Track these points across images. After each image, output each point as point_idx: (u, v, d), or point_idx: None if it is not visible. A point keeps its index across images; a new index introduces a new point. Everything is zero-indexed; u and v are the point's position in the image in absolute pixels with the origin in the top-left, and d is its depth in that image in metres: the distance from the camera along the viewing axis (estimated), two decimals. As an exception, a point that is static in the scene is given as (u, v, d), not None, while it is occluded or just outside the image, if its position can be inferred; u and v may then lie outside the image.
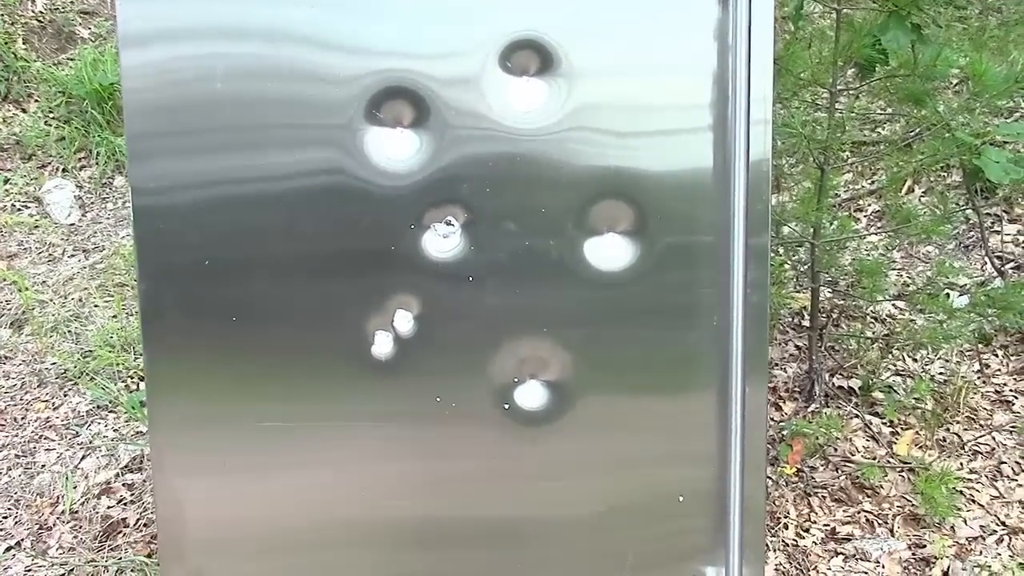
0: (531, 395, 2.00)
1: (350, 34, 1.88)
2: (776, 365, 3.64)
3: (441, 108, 1.90)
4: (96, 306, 4.36)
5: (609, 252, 1.96)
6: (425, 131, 1.91)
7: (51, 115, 5.73)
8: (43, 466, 3.44)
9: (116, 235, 4.99)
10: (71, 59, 6.12)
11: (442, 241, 1.95)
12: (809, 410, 3.40)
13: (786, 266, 3.59)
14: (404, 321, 1.97)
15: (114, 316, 4.26)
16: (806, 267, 3.54)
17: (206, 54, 1.88)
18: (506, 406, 1.99)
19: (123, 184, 5.42)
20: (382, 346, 1.97)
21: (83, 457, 3.46)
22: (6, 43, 5.92)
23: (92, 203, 5.30)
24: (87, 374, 3.88)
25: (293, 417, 1.98)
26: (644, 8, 1.91)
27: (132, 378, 3.83)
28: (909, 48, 2.94)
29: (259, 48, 1.88)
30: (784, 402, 3.46)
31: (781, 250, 3.46)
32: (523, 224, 1.95)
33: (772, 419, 3.32)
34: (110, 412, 3.68)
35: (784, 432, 3.23)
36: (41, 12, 6.35)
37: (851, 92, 3.55)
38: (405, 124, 1.92)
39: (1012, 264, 4.20)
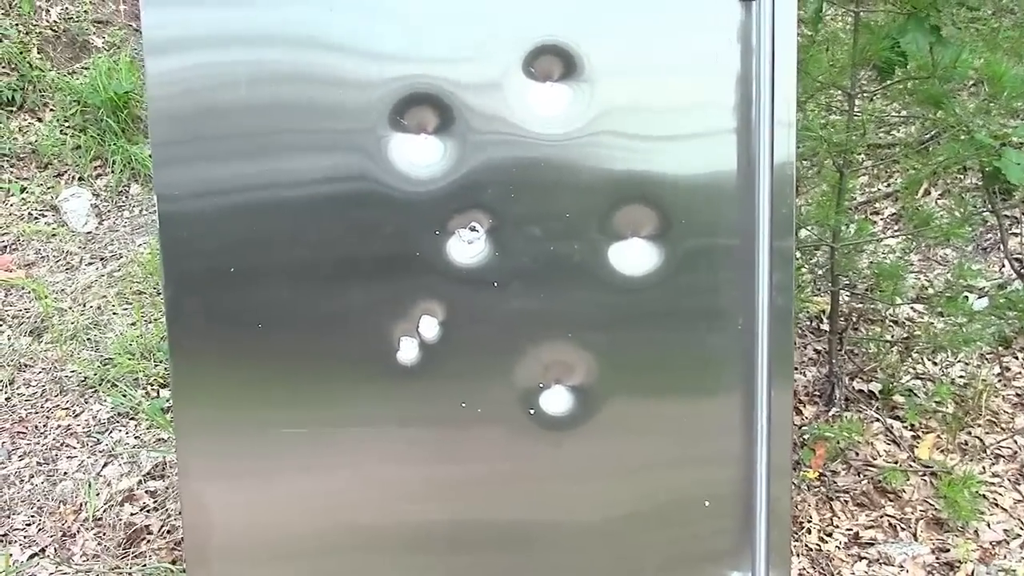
0: (556, 400, 2.00)
1: (373, 40, 1.89)
2: (796, 369, 3.64)
3: (465, 114, 1.91)
4: (115, 314, 4.38)
5: (633, 257, 1.96)
6: (449, 137, 1.92)
7: (66, 124, 5.75)
8: (65, 473, 3.45)
9: (133, 243, 5.01)
10: (86, 68, 6.14)
11: (467, 247, 1.95)
12: (830, 414, 3.39)
13: (804, 269, 3.58)
14: (430, 327, 1.97)
15: (133, 324, 4.27)
16: (824, 270, 3.54)
17: (230, 61, 1.89)
18: (531, 411, 1.99)
19: (139, 192, 5.44)
20: (408, 352, 1.98)
21: (105, 464, 3.47)
22: (21, 53, 5.94)
23: (108, 211, 5.32)
24: (107, 381, 3.89)
25: (319, 423, 1.99)
26: (667, 11, 1.91)
27: (152, 385, 3.84)
28: (928, 50, 2.93)
29: (283, 54, 1.89)
30: (804, 406, 3.45)
31: (799, 253, 3.46)
32: (547, 229, 1.95)
33: (793, 423, 3.32)
34: (131, 419, 3.69)
35: (806, 436, 3.22)
36: (55, 22, 6.38)
37: (868, 94, 3.54)
38: (429, 130, 1.92)
39: (1031, 266, 4.19)
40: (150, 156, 5.42)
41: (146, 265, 4.66)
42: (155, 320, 4.25)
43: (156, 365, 3.92)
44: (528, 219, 1.94)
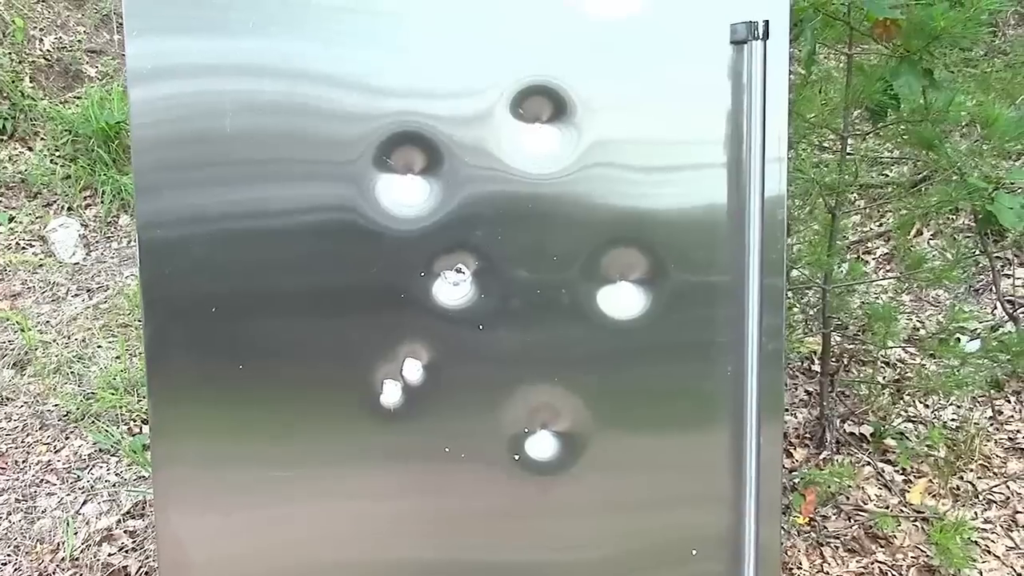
0: (541, 445, 1.97)
1: (360, 73, 1.86)
2: (786, 411, 3.60)
3: (453, 154, 1.88)
4: (99, 347, 4.34)
5: (621, 300, 1.94)
6: (436, 178, 1.89)
7: (57, 153, 5.73)
8: (44, 511, 3.39)
9: (120, 275, 4.98)
10: (78, 98, 6.13)
11: (452, 289, 1.92)
12: (820, 457, 3.36)
13: (795, 309, 3.56)
14: (413, 370, 1.93)
15: (117, 357, 4.23)
16: (815, 311, 3.51)
17: (215, 90, 1.86)
18: (516, 457, 1.96)
19: (128, 223, 5.41)
20: (390, 395, 1.94)
21: (84, 502, 3.41)
22: (13, 81, 5.93)
23: (97, 242, 5.29)
24: (89, 417, 3.84)
25: (299, 464, 1.95)
26: (657, 52, 1.89)
27: (135, 421, 3.79)
28: (921, 93, 2.93)
29: (268, 84, 1.86)
30: (795, 448, 3.41)
31: (790, 294, 3.43)
32: (534, 272, 1.92)
33: (783, 466, 3.28)
34: (112, 456, 3.64)
35: (797, 480, 3.19)
36: (48, 51, 6.37)
37: (860, 134, 3.53)
38: (416, 171, 1.89)
39: (1023, 309, 4.17)
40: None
41: (133, 297, 4.63)
42: (140, 354, 4.20)
43: (139, 400, 3.87)
44: (515, 262, 1.92)
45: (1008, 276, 4.37)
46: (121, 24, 7.26)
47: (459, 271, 1.92)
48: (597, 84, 1.89)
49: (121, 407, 3.84)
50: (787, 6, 1.91)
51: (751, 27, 1.85)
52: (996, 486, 3.22)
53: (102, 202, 5.48)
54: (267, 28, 1.85)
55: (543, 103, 1.89)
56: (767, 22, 1.84)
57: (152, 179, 1.88)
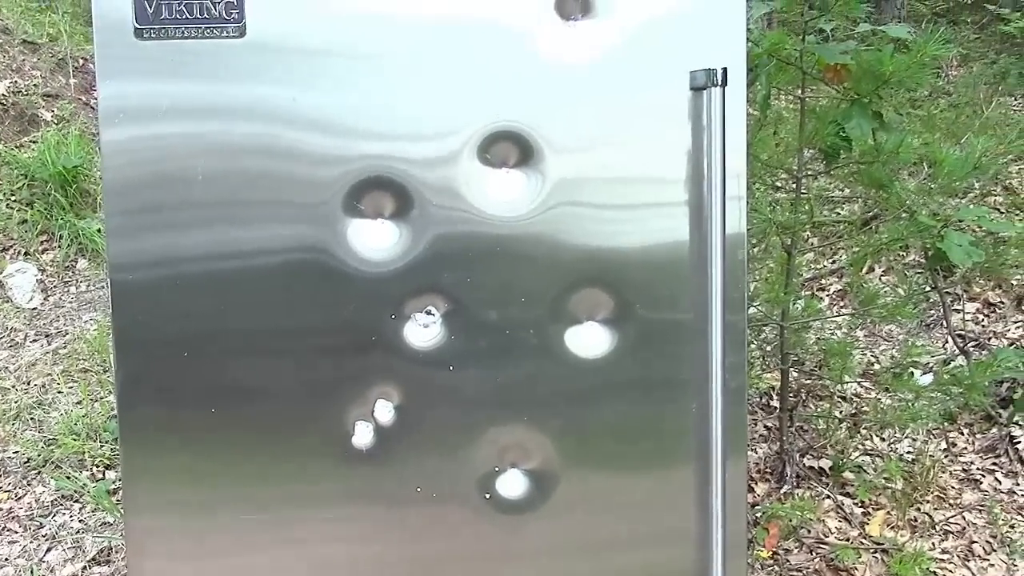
0: (512, 484, 2.00)
1: (330, 119, 1.90)
2: (747, 446, 3.66)
3: (422, 199, 1.92)
4: (60, 392, 4.31)
5: (589, 340, 1.98)
6: (406, 222, 1.93)
7: (13, 198, 5.70)
8: (6, 559, 3.35)
9: (79, 319, 4.95)
10: (34, 142, 6.10)
11: (422, 331, 1.95)
12: (782, 491, 3.41)
13: (753, 346, 3.63)
14: (384, 411, 1.96)
15: (78, 402, 4.20)
16: (773, 347, 3.58)
17: (186, 132, 1.88)
18: (487, 496, 1.98)
19: (86, 267, 5.39)
20: (362, 436, 1.96)
21: (48, 549, 3.38)
22: (-32, 126, 5.90)
23: (55, 287, 5.25)
24: (51, 463, 3.81)
25: (272, 507, 1.96)
26: (621, 97, 1.94)
27: (97, 466, 3.77)
28: (871, 134, 3.02)
29: (239, 127, 1.89)
30: (756, 483, 3.46)
31: (749, 330, 3.50)
32: (503, 313, 1.96)
33: (747, 501, 3.33)
34: (75, 502, 3.61)
35: (759, 515, 3.23)
36: (4, 95, 6.35)
37: (813, 174, 3.62)
38: (386, 215, 1.93)
39: (973, 342, 4.27)
40: (99, 231, 5.39)
41: (92, 342, 4.60)
42: (101, 399, 4.18)
43: (102, 446, 3.85)
44: (484, 303, 1.95)
45: (958, 311, 4.48)
46: (77, 68, 7.25)
47: (429, 313, 1.95)
48: (562, 129, 1.94)
49: (83, 452, 3.81)
50: (743, 53, 1.98)
51: (710, 74, 1.90)
52: (952, 517, 3.29)
53: (59, 247, 5.45)
54: (237, 71, 1.88)
55: (510, 148, 1.94)
56: (725, 69, 1.90)
57: (123, 222, 1.90)
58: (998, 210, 5.53)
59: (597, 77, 1.94)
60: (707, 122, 1.93)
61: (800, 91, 3.11)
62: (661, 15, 1.94)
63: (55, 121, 6.40)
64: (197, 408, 1.94)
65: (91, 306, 5.02)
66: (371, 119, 1.90)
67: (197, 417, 1.94)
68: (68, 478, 3.69)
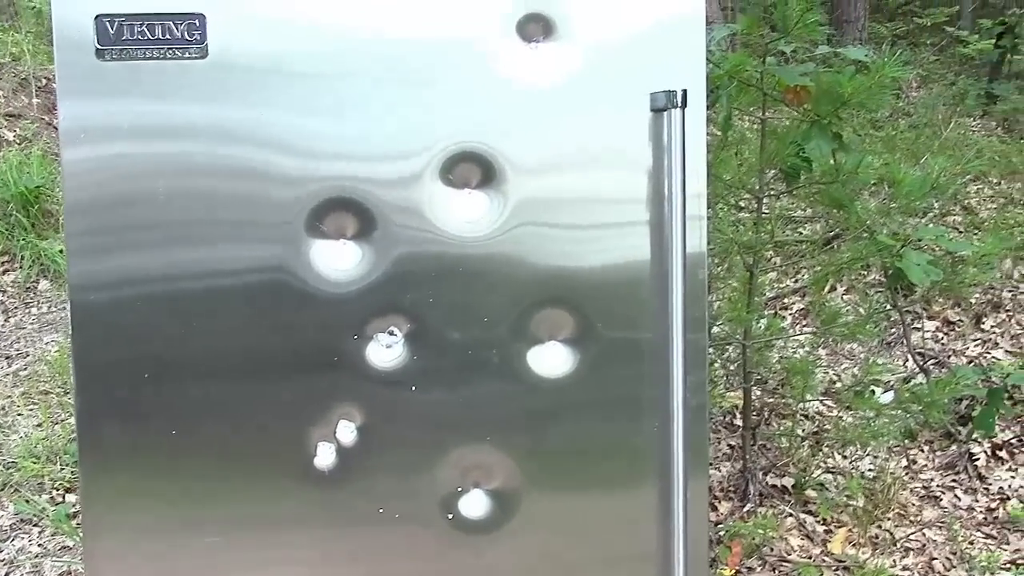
0: (475, 504, 2.00)
1: (292, 138, 1.90)
2: (710, 464, 3.68)
3: (384, 220, 1.92)
4: (20, 415, 4.26)
5: (551, 360, 1.98)
6: (368, 243, 1.93)
7: (-26, 219, 5.65)
8: (-36, 584, 3.31)
9: (40, 341, 4.90)
10: (-5, 162, 6.05)
11: (385, 351, 1.96)
12: (744, 509, 3.43)
13: (716, 365, 3.65)
14: (347, 432, 1.96)
15: (38, 425, 4.16)
16: (736, 365, 3.61)
17: (148, 152, 1.87)
18: (450, 516, 1.98)
19: (48, 288, 5.34)
20: (324, 457, 1.96)
21: (7, 574, 3.34)
22: (-71, 146, 5.85)
23: (15, 308, 5.21)
24: (10, 486, 3.76)
25: (233, 529, 1.95)
26: (582, 117, 1.95)
27: (57, 490, 3.73)
28: (831, 155, 3.06)
29: (201, 146, 1.89)
30: (720, 502, 3.48)
31: (711, 349, 3.52)
32: (466, 334, 1.96)
33: (709, 520, 3.34)
34: (34, 526, 3.56)
35: (722, 533, 3.25)
36: (-35, 115, 6.30)
37: (775, 194, 3.66)
38: (348, 236, 1.93)
39: (933, 360, 4.32)
40: (61, 251, 5.35)
41: (53, 364, 4.56)
42: (62, 421, 4.14)
43: (62, 469, 3.81)
44: (446, 323, 1.96)
45: (918, 329, 4.53)
46: (39, 88, 7.20)
47: (391, 333, 1.95)
48: (524, 149, 1.95)
49: (43, 476, 3.77)
50: (703, 75, 2.00)
51: (670, 96, 1.92)
52: (912, 534, 3.32)
53: (20, 267, 5.41)
54: (199, 91, 1.88)
55: (472, 169, 1.95)
56: (685, 91, 1.92)
57: (84, 242, 1.89)
58: (957, 229, 5.61)
59: (558, 98, 1.95)
60: (667, 143, 1.94)
61: (761, 112, 3.14)
62: (622, 38, 1.96)
63: (17, 141, 6.35)
64: (158, 430, 1.92)
65: (52, 327, 4.98)
66: (334, 139, 1.91)
67: (158, 439, 1.93)
68: (27, 502, 3.65)
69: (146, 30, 1.87)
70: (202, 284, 1.90)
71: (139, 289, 1.89)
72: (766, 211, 3.53)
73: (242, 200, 1.90)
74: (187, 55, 1.88)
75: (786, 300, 5.03)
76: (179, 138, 1.88)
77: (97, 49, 1.86)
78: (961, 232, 5.57)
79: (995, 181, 6.50)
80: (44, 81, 7.28)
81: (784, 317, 4.92)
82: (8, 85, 6.94)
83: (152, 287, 1.89)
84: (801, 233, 5.23)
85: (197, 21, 1.88)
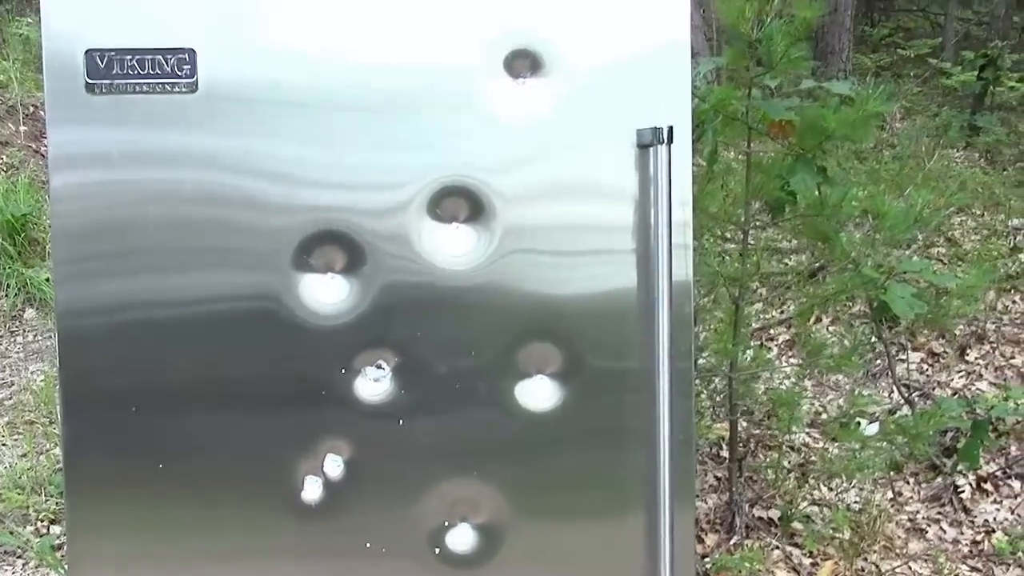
0: (462, 538, 2.00)
1: (282, 169, 1.90)
2: (696, 496, 3.68)
3: (372, 253, 1.93)
4: (4, 445, 4.24)
5: (538, 393, 1.99)
6: (356, 277, 1.94)
7: (-41, 246, 5.63)
8: (-55, 617, 3.29)
9: (25, 370, 4.88)
10: (-18, 190, 6.04)
11: (373, 385, 1.96)
12: (731, 542, 3.43)
13: (703, 396, 3.66)
14: (334, 465, 1.96)
15: (23, 455, 4.13)
16: (722, 396, 3.62)
17: (136, 179, 1.88)
18: (437, 550, 1.98)
19: (34, 317, 5.32)
20: (311, 491, 1.96)
21: (-10, 606, 3.32)
22: (-85, 174, 5.84)
23: (1, 336, 5.18)
24: (-6, 517, 3.74)
25: (220, 563, 1.95)
26: (568, 152, 1.97)
27: (42, 521, 3.70)
28: (816, 188, 3.08)
29: (191, 174, 1.89)
30: (706, 534, 3.48)
31: (698, 381, 3.53)
32: (453, 367, 1.97)
33: (696, 552, 3.34)
34: (18, 558, 3.54)
35: (708, 566, 3.25)
36: (-48, 143, 6.30)
37: (760, 226, 3.68)
38: (336, 269, 1.94)
39: (918, 391, 4.34)
40: (47, 280, 5.34)
41: (39, 393, 4.54)
42: (47, 451, 4.12)
43: (47, 500, 3.79)
44: (434, 357, 1.96)
45: (903, 360, 4.55)
46: (27, 115, 7.21)
47: (379, 367, 1.96)
48: (510, 183, 1.96)
49: (28, 507, 3.75)
50: (688, 110, 2.02)
51: (656, 132, 1.94)
52: (898, 566, 3.33)
53: (7, 295, 5.39)
54: (189, 122, 1.89)
55: (460, 203, 1.96)
56: (671, 128, 1.93)
57: (71, 269, 1.89)
58: (941, 260, 5.64)
59: (545, 133, 1.97)
60: (654, 178, 1.96)
61: (747, 145, 3.17)
62: (608, 73, 1.98)
63: (4, 168, 6.35)
64: (144, 461, 1.92)
65: (38, 356, 4.96)
66: (322, 173, 1.92)
67: (144, 471, 1.93)
68: (11, 533, 3.63)
69: (136, 64, 1.89)
70: (190, 312, 1.91)
71: (126, 316, 1.89)
72: (752, 242, 3.55)
73: (231, 229, 1.90)
74: (177, 89, 1.89)
75: (772, 331, 5.05)
76: (168, 166, 1.89)
77: (87, 83, 1.87)
78: (945, 263, 5.61)
79: (978, 213, 6.55)
80: (32, 109, 7.28)
81: (770, 348, 4.94)
82: (-5, 113, 6.95)
83: (139, 314, 1.89)
84: (787, 264, 5.25)
85: (187, 56, 1.89)
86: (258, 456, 1.94)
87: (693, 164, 2.06)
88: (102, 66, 1.88)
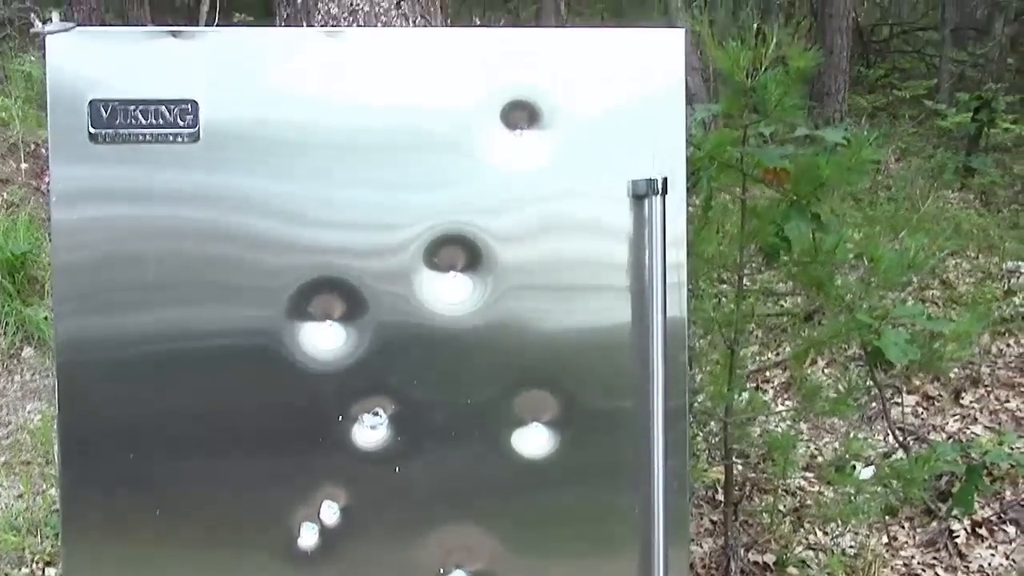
0: (457, 586, 2.01)
1: (283, 211, 1.93)
2: (692, 540, 3.68)
3: (370, 301, 1.95)
4: (1, 485, 4.23)
5: (534, 441, 2.01)
6: (354, 325, 1.96)
7: (-42, 284, 5.64)
8: (-61, 659, 3.27)
9: (23, 409, 4.88)
10: (-18, 228, 6.06)
11: (369, 432, 1.97)
12: (726, 587, 3.43)
13: (698, 438, 3.66)
14: (330, 512, 1.97)
15: (19, 496, 4.13)
16: (717, 439, 3.62)
17: (138, 215, 1.90)
18: (432, 597, 1.99)
19: (32, 355, 5.33)
20: (308, 538, 1.97)
21: (-17, 649, 3.31)
22: (-85, 212, 5.86)
23: (-2, 375, 5.19)
24: (-11, 558, 3.73)
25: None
26: (564, 202, 2.00)
27: (37, 563, 3.69)
28: (810, 235, 3.11)
29: (192, 212, 1.91)
30: (702, 579, 3.48)
31: (693, 423, 3.54)
32: (449, 415, 1.99)
33: (691, 597, 3.34)
34: (12, 599, 3.54)
35: (703, 611, 3.25)
36: (-47, 180, 6.33)
37: (755, 270, 3.71)
38: (335, 317, 1.96)
39: (913, 435, 4.35)
40: (46, 318, 5.35)
41: (36, 433, 4.54)
42: (43, 492, 4.11)
43: (43, 541, 3.78)
44: (430, 405, 1.98)
45: (898, 404, 4.56)
46: (28, 152, 7.24)
47: (376, 414, 1.98)
48: (507, 232, 1.98)
49: (23, 548, 3.74)
50: (683, 160, 2.05)
51: (651, 183, 1.96)
52: (894, 612, 3.33)
53: (5, 334, 5.40)
54: (190, 164, 1.91)
55: (457, 252, 1.98)
56: (666, 179, 1.96)
57: (71, 305, 1.91)
58: (936, 303, 5.67)
59: (542, 183, 1.99)
60: (648, 228, 1.98)
61: (742, 192, 3.20)
62: (605, 124, 2.01)
63: (5, 206, 6.37)
64: (141, 505, 1.94)
65: (35, 395, 4.96)
66: (322, 213, 1.94)
67: (141, 516, 1.94)
68: (6, 575, 3.62)
69: (139, 115, 1.92)
70: (188, 349, 1.93)
71: (125, 351, 1.92)
72: (748, 284, 3.58)
73: (231, 266, 1.93)
74: (179, 139, 1.92)
75: (768, 373, 5.06)
76: (168, 204, 1.91)
77: (91, 132, 1.90)
78: (940, 306, 5.63)
79: (973, 255, 6.59)
80: (33, 146, 7.31)
81: (766, 390, 4.95)
82: (-4, 151, 6.98)
83: (137, 350, 1.92)
84: (782, 306, 5.28)
85: (189, 106, 1.92)
86: (255, 502, 1.96)
87: (689, 205, 2.08)
88: (106, 116, 1.91)
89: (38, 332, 5.37)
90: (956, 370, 4.81)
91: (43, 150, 7.17)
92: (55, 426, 1.82)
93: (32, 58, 8.85)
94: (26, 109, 7.77)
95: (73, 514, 1.94)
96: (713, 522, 3.81)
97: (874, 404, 4.54)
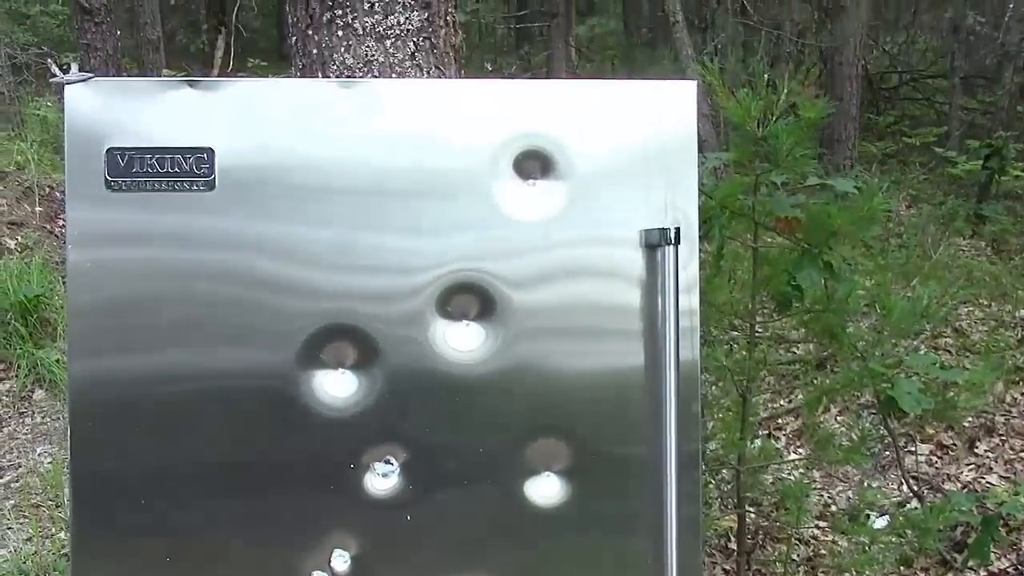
0: (469, 637, 1.99)
1: (298, 255, 1.94)
2: (704, 588, 3.65)
3: (383, 350, 1.96)
4: (10, 528, 4.22)
5: (547, 490, 2.00)
6: (366, 372, 1.96)
7: (-30, 327, 5.67)
8: None
9: (33, 452, 4.88)
10: (-4, 270, 6.10)
11: (381, 480, 1.97)
12: (740, 638, 3.40)
13: (711, 486, 3.65)
14: (341, 561, 1.96)
15: (28, 539, 4.12)
16: (730, 487, 3.60)
17: (152, 257, 1.91)
18: (443, 649, 1.98)
19: (43, 398, 5.34)
20: (318, 587, 1.96)
21: None
22: (-70, 255, 5.90)
23: (10, 418, 5.20)
24: (-2, 603, 3.72)
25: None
26: (577, 250, 2.00)
27: (46, 607, 3.69)
28: (822, 284, 3.11)
29: (206, 255, 1.92)
30: (714, 630, 3.45)
31: (705, 471, 3.52)
32: (462, 464, 1.98)
33: (703, 648, 3.31)
34: (20, 645, 3.52)
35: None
36: (-32, 223, 6.38)
37: (767, 318, 3.71)
38: (347, 365, 1.96)
39: (927, 485, 4.32)
40: (58, 361, 5.37)
41: (46, 476, 4.54)
42: (52, 536, 4.10)
43: (51, 584, 3.77)
44: (443, 453, 1.98)
45: (912, 452, 4.54)
46: (43, 196, 7.30)
47: (388, 462, 1.97)
48: (520, 280, 1.98)
49: (32, 592, 3.74)
50: (695, 209, 2.05)
51: (664, 233, 1.97)
52: (910, 665, 3.29)
53: (16, 376, 5.41)
54: (206, 210, 1.93)
55: (470, 300, 1.99)
56: (678, 229, 1.97)
57: (85, 345, 1.91)
58: (949, 352, 5.65)
59: (555, 232, 2.00)
60: (661, 277, 1.99)
61: (753, 240, 3.20)
62: (617, 173, 2.01)
63: (19, 249, 6.42)
64: (152, 552, 1.93)
65: (46, 438, 4.97)
66: (337, 258, 1.95)
67: (151, 562, 1.93)
68: (14, 619, 3.61)
69: (156, 163, 1.93)
70: (202, 392, 1.93)
71: (138, 391, 1.92)
72: (760, 331, 3.57)
73: (245, 309, 1.93)
74: (196, 187, 1.93)
75: (780, 420, 5.04)
76: (183, 247, 1.92)
77: (107, 180, 1.92)
78: (953, 354, 5.61)
79: (985, 303, 6.57)
80: (47, 190, 7.38)
81: (778, 437, 4.93)
82: (12, 193, 7.04)
83: (150, 391, 1.92)
84: (794, 353, 5.26)
85: (206, 155, 1.94)
86: (265, 550, 1.95)
87: (701, 251, 2.09)
88: (122, 164, 1.93)
89: (49, 375, 5.39)
90: (970, 419, 4.79)
91: (58, 193, 7.23)
92: (66, 469, 1.82)
93: (48, 103, 8.95)
94: (41, 153, 7.85)
95: (83, 558, 1.94)
96: (726, 571, 3.78)
97: (887, 453, 4.52)
